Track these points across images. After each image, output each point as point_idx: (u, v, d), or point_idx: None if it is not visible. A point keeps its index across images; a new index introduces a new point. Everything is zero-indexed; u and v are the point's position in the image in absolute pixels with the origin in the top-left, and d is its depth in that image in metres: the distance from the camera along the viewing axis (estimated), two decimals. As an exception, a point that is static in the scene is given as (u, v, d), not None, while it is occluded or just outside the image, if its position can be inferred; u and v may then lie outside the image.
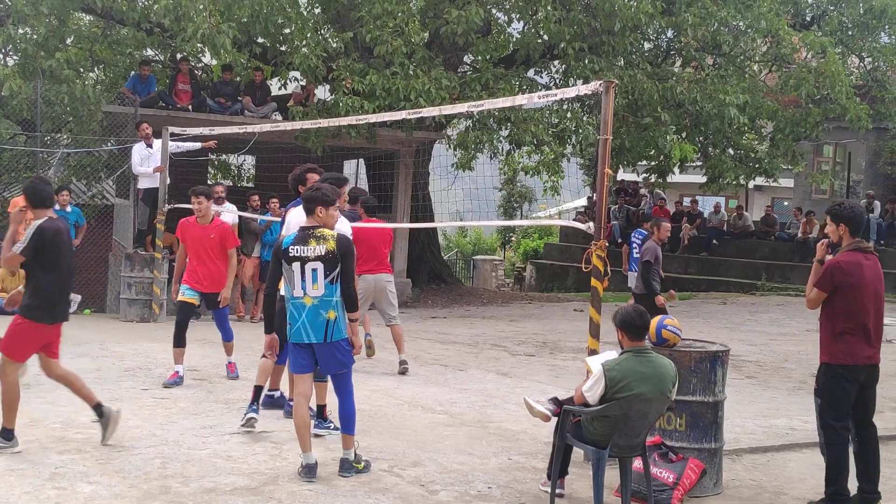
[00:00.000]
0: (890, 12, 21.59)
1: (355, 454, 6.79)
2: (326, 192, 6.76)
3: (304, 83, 18.96)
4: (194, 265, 10.05)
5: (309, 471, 6.57)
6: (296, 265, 6.55)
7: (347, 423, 6.76)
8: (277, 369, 8.37)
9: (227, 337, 10.33)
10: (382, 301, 10.75)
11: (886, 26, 21.95)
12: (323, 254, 6.51)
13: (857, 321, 6.65)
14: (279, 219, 13.51)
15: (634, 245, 16.03)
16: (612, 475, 6.45)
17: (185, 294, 9.96)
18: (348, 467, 6.68)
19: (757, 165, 21.25)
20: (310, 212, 6.68)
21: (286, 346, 7.00)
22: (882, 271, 6.88)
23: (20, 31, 16.72)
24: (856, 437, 6.75)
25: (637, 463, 6.37)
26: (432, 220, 21.26)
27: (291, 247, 6.58)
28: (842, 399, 6.62)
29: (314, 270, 6.53)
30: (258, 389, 7.94)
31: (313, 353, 6.66)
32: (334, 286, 6.58)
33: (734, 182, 22.07)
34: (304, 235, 6.60)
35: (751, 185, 28.62)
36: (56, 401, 8.54)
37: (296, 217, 7.59)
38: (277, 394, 8.57)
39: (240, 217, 15.43)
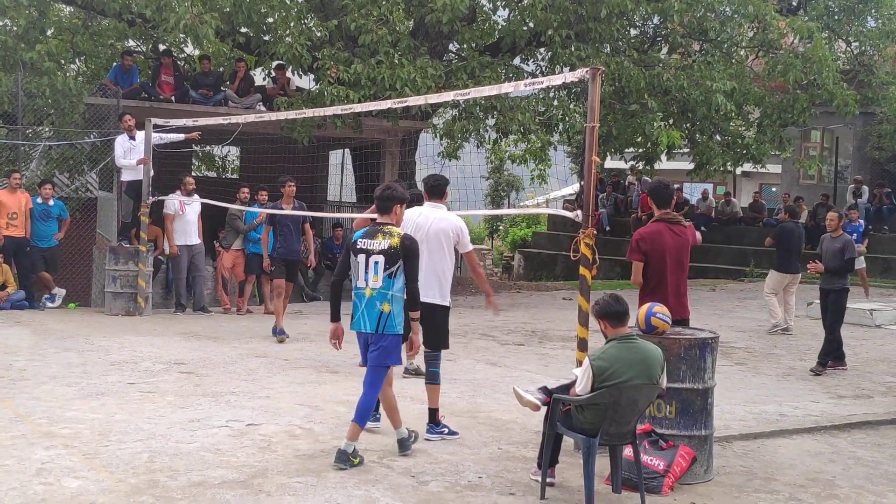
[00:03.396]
0: (879, -5, 21.73)
1: (354, 448, 6.85)
2: (402, 191, 7.25)
3: (274, 76, 18.89)
4: None
5: (403, 444, 7.11)
6: (361, 257, 6.87)
7: (362, 415, 6.88)
8: None
9: None
10: None
11: (873, 10, 22.03)
12: (385, 248, 6.80)
13: (663, 282, 7.40)
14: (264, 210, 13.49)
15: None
16: (602, 463, 6.47)
17: None
18: (344, 459, 6.70)
19: (744, 151, 21.32)
20: (387, 210, 7.07)
21: None
22: (688, 241, 7.67)
23: (0, 22, 16.63)
24: None
25: (627, 451, 6.39)
26: (419, 210, 21.23)
27: (360, 240, 6.96)
28: None
29: (376, 263, 6.81)
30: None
31: (363, 342, 6.99)
32: (392, 280, 6.80)
33: (722, 168, 22.19)
34: (374, 231, 6.97)
35: (738, 171, 28.75)
36: (41, 396, 8.55)
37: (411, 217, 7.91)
38: None
39: (228, 212, 15.38)
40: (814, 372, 11.24)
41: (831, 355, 11.38)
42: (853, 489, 6.87)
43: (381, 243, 6.85)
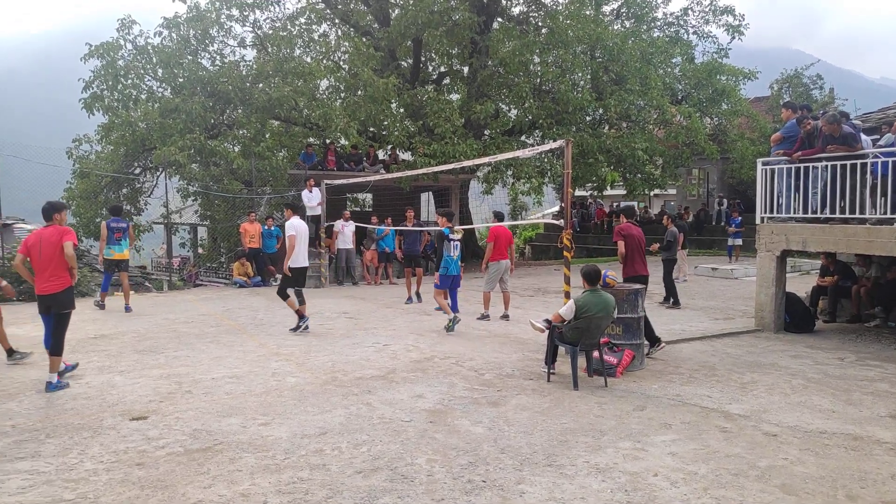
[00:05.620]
0: (728, 91, 21.12)
1: (451, 318, 8.53)
2: (453, 213, 9.08)
3: (389, 153, 18.99)
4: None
5: (450, 326, 8.40)
6: (451, 243, 8.58)
7: (454, 307, 8.84)
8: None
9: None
10: (504, 275, 9.70)
11: (725, 99, 21.45)
12: (459, 238, 8.74)
13: (633, 254, 7.52)
14: (406, 228, 13.49)
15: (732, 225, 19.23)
16: (580, 361, 6.39)
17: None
18: (452, 326, 8.43)
19: (655, 182, 20.88)
20: (450, 220, 8.73)
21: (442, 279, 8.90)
22: (643, 232, 7.79)
23: (240, 132, 16.97)
24: None
25: (595, 353, 6.31)
26: (471, 224, 21.13)
27: (449, 235, 8.62)
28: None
29: (456, 244, 8.61)
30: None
31: (452, 280, 8.78)
32: (461, 252, 8.77)
33: (642, 192, 21.72)
34: (451, 230, 8.73)
35: (651, 193, 28.03)
36: (273, 333, 8.68)
37: (296, 224, 8.70)
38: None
39: (359, 227, 15.52)
40: (662, 304, 10.95)
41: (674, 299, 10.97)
42: (726, 370, 6.68)
43: (456, 236, 8.58)
